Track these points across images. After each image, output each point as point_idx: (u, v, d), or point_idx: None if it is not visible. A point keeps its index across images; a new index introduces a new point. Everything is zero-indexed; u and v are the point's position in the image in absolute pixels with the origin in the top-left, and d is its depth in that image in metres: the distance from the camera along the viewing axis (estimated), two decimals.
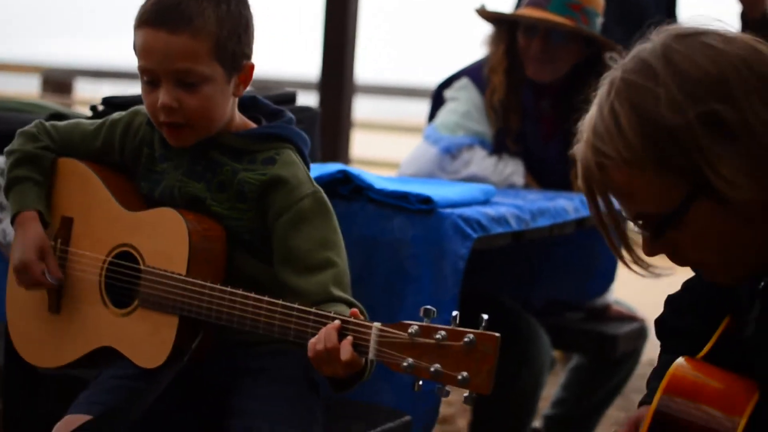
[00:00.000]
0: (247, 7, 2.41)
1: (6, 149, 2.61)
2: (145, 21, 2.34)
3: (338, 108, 6.11)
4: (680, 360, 1.89)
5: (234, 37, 2.36)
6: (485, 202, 3.03)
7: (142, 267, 2.40)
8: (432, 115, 3.86)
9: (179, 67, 2.32)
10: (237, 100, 2.45)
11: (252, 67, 2.42)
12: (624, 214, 1.80)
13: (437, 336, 1.99)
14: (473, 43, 3.93)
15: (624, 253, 1.84)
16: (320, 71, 6.19)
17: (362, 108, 8.42)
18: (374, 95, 9.58)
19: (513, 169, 3.67)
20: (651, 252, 1.80)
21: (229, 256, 2.39)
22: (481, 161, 3.64)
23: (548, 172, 3.68)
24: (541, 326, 3.60)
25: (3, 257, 3.11)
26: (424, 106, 4.01)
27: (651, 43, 1.76)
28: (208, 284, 2.30)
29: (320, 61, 6.16)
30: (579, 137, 1.80)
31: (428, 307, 2.02)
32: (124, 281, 2.43)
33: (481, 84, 3.74)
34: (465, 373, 1.96)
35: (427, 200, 2.80)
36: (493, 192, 3.12)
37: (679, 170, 1.70)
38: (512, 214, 2.97)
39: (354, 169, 2.92)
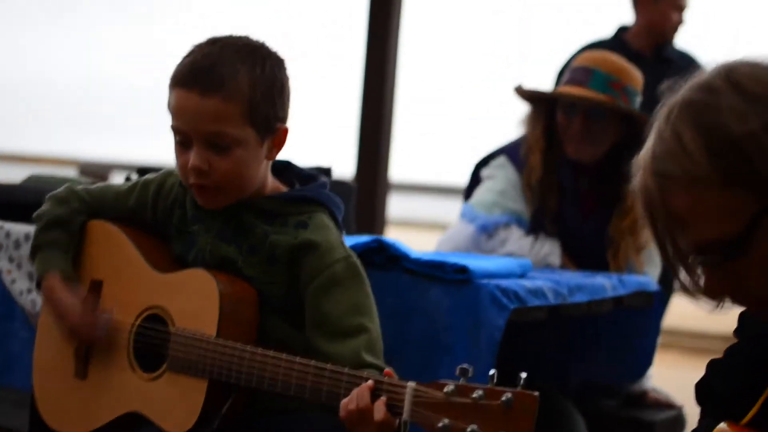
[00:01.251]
0: (282, 69, 2.39)
1: (35, 214, 2.59)
2: (178, 81, 2.33)
3: (372, 206, 6.09)
4: (722, 425, 1.82)
5: (268, 100, 2.33)
6: (522, 275, 2.98)
7: (171, 329, 2.35)
8: (469, 194, 3.83)
9: (210, 129, 2.29)
10: (270, 164, 2.42)
11: (286, 131, 2.39)
12: (685, 250, 1.71)
13: (474, 395, 1.93)
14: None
15: (689, 283, 1.76)
16: (355, 169, 6.19)
17: (396, 206, 8.42)
18: (409, 193, 9.60)
19: (550, 250, 3.62)
20: (712, 289, 1.71)
21: (260, 320, 2.35)
22: (517, 240, 3.60)
23: (585, 252, 3.63)
24: (577, 410, 3.52)
25: (31, 327, 3.08)
26: (458, 204, 3.99)
27: (707, 71, 1.71)
28: (239, 345, 2.25)
29: (355, 159, 6.17)
30: (635, 172, 1.74)
31: (464, 366, 1.97)
32: (153, 344, 2.39)
33: (519, 162, 3.71)
34: None
35: (463, 269, 2.75)
36: (530, 266, 3.07)
37: (746, 184, 1.61)
38: (549, 288, 2.92)
39: (389, 239, 2.88)
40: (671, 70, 4.51)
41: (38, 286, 2.52)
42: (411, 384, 2.01)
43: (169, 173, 2.54)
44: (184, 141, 2.34)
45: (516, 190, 3.68)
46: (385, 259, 2.83)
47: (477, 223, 3.61)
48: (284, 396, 2.34)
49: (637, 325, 3.52)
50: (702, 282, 1.73)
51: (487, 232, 3.58)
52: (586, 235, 3.69)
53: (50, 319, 2.52)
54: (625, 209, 3.67)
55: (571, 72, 3.71)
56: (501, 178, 3.70)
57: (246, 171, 2.34)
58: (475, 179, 3.84)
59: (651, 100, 3.73)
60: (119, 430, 2.45)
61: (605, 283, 3.22)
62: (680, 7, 5.12)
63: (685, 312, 4.24)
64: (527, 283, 2.87)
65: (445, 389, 1.95)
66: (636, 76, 3.67)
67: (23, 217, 3.25)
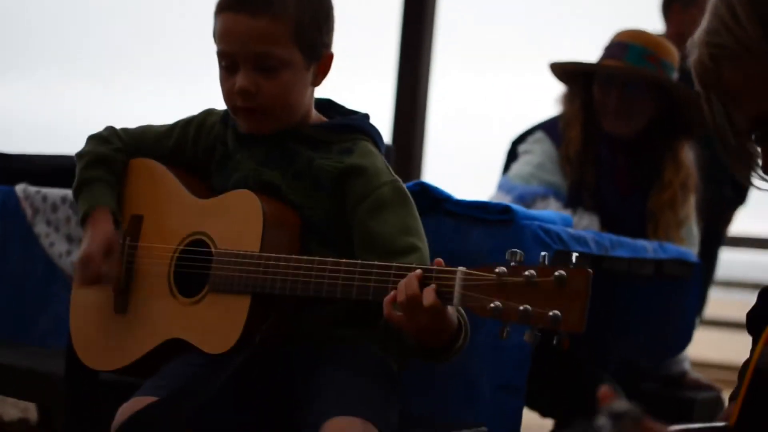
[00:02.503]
0: (328, 0, 2.41)
1: (77, 152, 2.59)
2: (226, 6, 2.34)
3: None
4: None
5: (314, 24, 2.34)
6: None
7: (213, 251, 2.33)
8: (505, 170, 3.82)
9: (259, 50, 2.30)
10: (314, 93, 2.43)
11: (331, 57, 2.39)
12: (741, 126, 1.71)
13: (526, 274, 1.88)
14: None
15: (740, 164, 1.75)
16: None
17: None
18: None
19: (588, 223, 3.59)
20: None
21: (305, 249, 2.32)
22: (555, 212, 3.58)
23: (624, 227, 3.60)
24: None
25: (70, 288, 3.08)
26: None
27: None
28: (282, 255, 2.22)
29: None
30: (690, 49, 1.72)
31: (515, 249, 1.93)
32: (195, 269, 2.36)
33: (556, 137, 3.70)
34: (557, 311, 1.85)
35: (506, 209, 2.73)
36: (571, 222, 3.04)
37: None
38: (592, 238, 2.90)
39: (431, 183, 2.87)
40: None
41: (83, 221, 2.50)
42: (461, 269, 1.98)
43: (209, 112, 2.54)
44: (230, 65, 2.33)
45: (554, 163, 3.67)
46: (427, 204, 2.81)
47: (514, 193, 3.59)
48: (329, 321, 2.34)
49: (676, 298, 3.48)
50: (759, 161, 1.72)
51: (524, 202, 3.56)
52: (625, 210, 3.67)
53: None
54: (663, 184, 3.66)
55: (606, 48, 3.72)
56: (538, 151, 3.69)
57: (292, 94, 2.34)
58: (512, 155, 3.83)
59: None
60: (159, 361, 2.40)
61: (646, 246, 3.20)
62: None
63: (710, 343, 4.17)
64: (570, 229, 2.85)
65: (496, 270, 1.92)
66: (672, 50, 3.67)
67: (59, 182, 3.27)
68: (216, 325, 2.29)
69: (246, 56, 2.31)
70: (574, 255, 1.89)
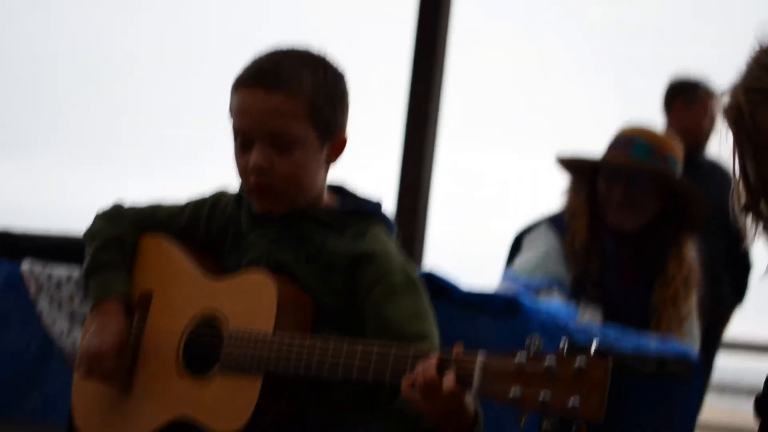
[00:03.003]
0: (343, 82, 2.41)
1: (85, 232, 2.55)
2: (242, 82, 2.35)
3: None
4: None
5: (329, 103, 2.35)
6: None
7: (224, 330, 2.31)
8: (509, 261, 3.83)
9: (273, 126, 2.30)
10: (327, 175, 2.43)
11: (345, 139, 2.40)
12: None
13: (546, 363, 1.88)
14: None
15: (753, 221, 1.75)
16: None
17: None
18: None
19: (591, 315, 3.59)
20: None
21: (315, 331, 2.28)
22: None
23: (627, 319, 3.60)
24: None
25: (70, 368, 3.05)
26: None
27: None
28: (297, 335, 2.21)
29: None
30: (724, 99, 1.75)
31: (533, 335, 1.94)
32: (205, 347, 2.33)
33: (561, 230, 3.73)
34: (575, 401, 1.85)
35: (513, 301, 2.73)
36: (576, 313, 3.05)
37: None
38: (597, 329, 2.90)
39: (438, 271, 2.87)
40: (703, 177, 4.59)
41: (95, 306, 2.46)
42: (480, 355, 1.97)
43: (222, 193, 2.53)
44: (245, 142, 2.33)
45: (558, 255, 3.69)
46: (434, 293, 2.80)
47: (518, 284, 3.59)
48: (339, 401, 2.31)
49: (677, 397, 3.46)
50: None
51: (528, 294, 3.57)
52: (628, 302, 3.68)
53: None
54: (667, 279, 3.68)
55: (612, 142, 3.75)
56: (542, 243, 3.71)
57: (306, 174, 2.34)
58: (516, 247, 3.85)
59: None
60: None
61: (649, 342, 3.20)
62: (712, 114, 5.21)
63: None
64: (576, 321, 2.85)
65: (516, 358, 1.92)
66: (676, 146, 3.71)
67: (63, 258, 3.27)
68: (226, 403, 2.26)
69: (261, 132, 2.31)
70: (595, 341, 1.90)
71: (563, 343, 1.91)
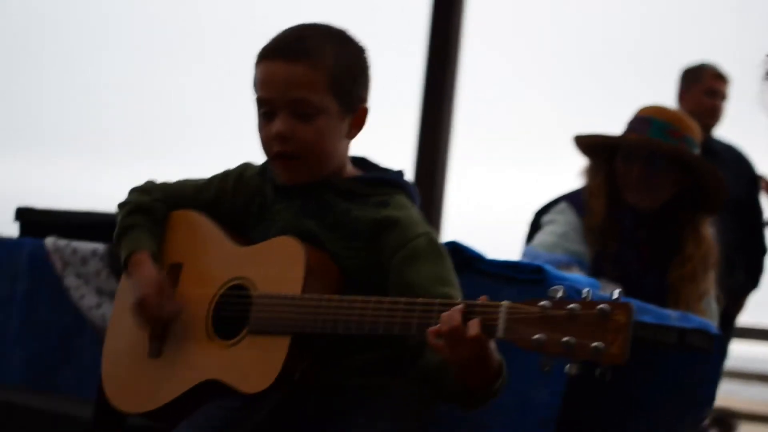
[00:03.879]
0: (364, 56, 2.46)
1: (119, 203, 2.63)
2: (265, 54, 2.41)
3: None
4: None
5: (351, 75, 2.40)
6: None
7: (253, 293, 2.36)
8: (529, 240, 3.86)
9: (296, 95, 2.35)
10: (349, 146, 2.48)
11: (366, 112, 2.45)
12: None
13: (569, 307, 1.92)
14: None
15: None
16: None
17: None
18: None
19: (611, 292, 3.61)
20: None
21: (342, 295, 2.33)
22: None
23: (645, 298, 3.62)
24: None
25: (100, 341, 3.10)
26: None
27: None
28: (324, 296, 2.25)
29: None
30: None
31: (556, 286, 1.97)
32: (235, 312, 2.38)
33: (580, 208, 3.75)
34: (600, 343, 1.89)
35: (538, 270, 2.76)
36: (598, 285, 3.08)
37: None
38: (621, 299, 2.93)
39: (463, 242, 2.90)
40: (717, 162, 4.62)
41: (125, 265, 2.52)
42: (505, 303, 2.01)
43: (246, 166, 2.58)
44: (268, 112, 2.39)
45: (577, 233, 3.71)
46: (459, 263, 2.82)
47: (538, 261, 3.61)
48: (365, 367, 2.35)
49: (698, 370, 3.49)
50: None
51: None
52: (646, 281, 3.70)
53: (126, 303, 2.52)
54: (684, 258, 3.70)
55: (629, 123, 3.79)
56: (562, 221, 3.74)
57: (327, 143, 2.39)
58: (535, 226, 3.88)
59: None
60: (190, 404, 2.40)
61: (671, 314, 3.22)
62: (714, 93, 5.22)
63: None
64: (599, 291, 2.88)
65: (540, 303, 1.96)
66: (694, 127, 3.73)
67: (86, 235, 3.31)
68: (254, 365, 2.30)
69: (283, 102, 2.36)
70: (616, 291, 1.93)
71: (586, 293, 1.95)
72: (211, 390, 2.36)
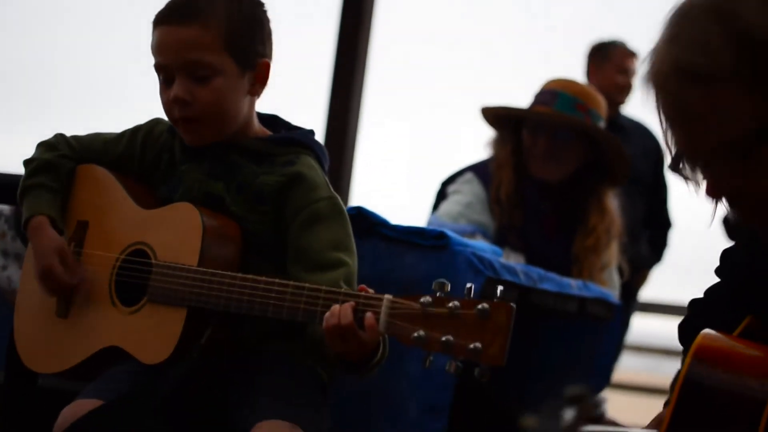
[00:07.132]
0: (261, 10, 2.45)
1: (24, 159, 2.62)
2: (159, 20, 2.41)
3: None
4: (707, 330, 1.83)
5: (246, 31, 2.40)
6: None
7: (153, 262, 2.38)
8: (435, 209, 3.90)
9: (190, 57, 2.35)
10: (254, 103, 2.47)
11: (268, 66, 2.44)
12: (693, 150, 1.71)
13: (450, 305, 1.95)
14: None
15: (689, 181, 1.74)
16: None
17: None
18: None
19: (514, 261, 3.68)
20: (715, 190, 1.70)
21: (244, 260, 2.37)
22: None
23: (549, 268, 3.69)
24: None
25: (7, 304, 3.08)
26: None
27: None
28: (218, 272, 2.27)
29: None
30: (653, 65, 1.70)
31: (442, 280, 1.99)
32: (135, 278, 2.41)
33: (486, 179, 3.79)
34: (477, 344, 1.91)
35: (441, 235, 2.79)
36: (501, 253, 3.13)
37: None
38: (521, 270, 2.98)
39: (368, 207, 2.92)
40: (625, 138, 4.67)
41: (25, 227, 2.53)
42: (387, 296, 2.04)
43: (157, 121, 2.58)
44: (167, 78, 2.39)
45: (482, 203, 3.75)
46: (364, 228, 2.84)
47: (442, 230, 3.66)
48: (264, 334, 2.39)
49: (598, 339, 3.57)
50: (702, 182, 1.73)
51: None
52: (550, 251, 3.76)
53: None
54: (588, 229, 3.76)
55: (537, 95, 3.82)
56: (467, 191, 3.78)
57: (227, 102, 2.39)
58: (441, 195, 3.91)
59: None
60: (97, 366, 2.44)
61: (571, 283, 3.29)
62: (625, 70, 5.28)
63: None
64: (501, 259, 2.93)
65: (421, 300, 1.98)
66: (600, 100, 3.78)
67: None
68: (152, 335, 2.34)
69: (178, 65, 2.37)
70: (500, 288, 1.95)
71: (467, 289, 1.97)
72: (116, 354, 2.40)
